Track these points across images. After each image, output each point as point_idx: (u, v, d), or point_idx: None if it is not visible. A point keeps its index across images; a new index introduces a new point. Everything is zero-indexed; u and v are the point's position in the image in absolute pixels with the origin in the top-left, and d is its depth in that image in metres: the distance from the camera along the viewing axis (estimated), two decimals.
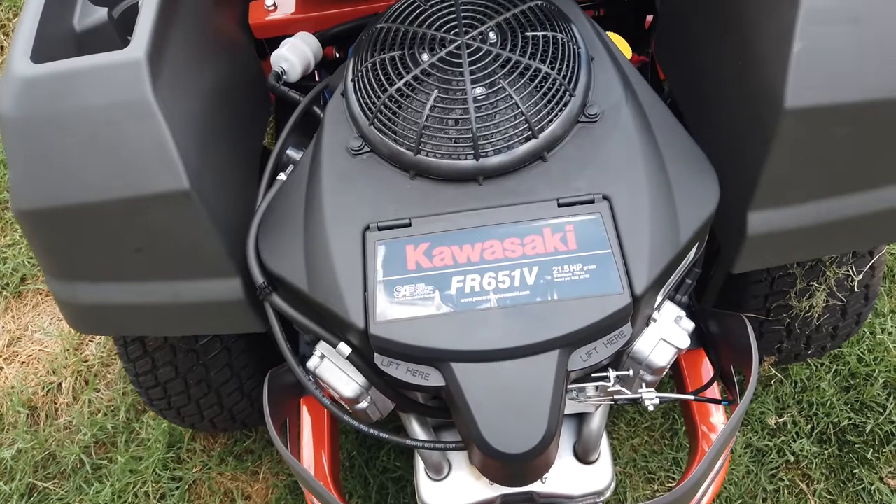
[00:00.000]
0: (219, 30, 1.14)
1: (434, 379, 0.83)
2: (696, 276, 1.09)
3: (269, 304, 0.95)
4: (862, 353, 1.66)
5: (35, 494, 1.64)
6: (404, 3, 1.01)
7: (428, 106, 0.89)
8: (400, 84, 0.92)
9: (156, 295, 1.00)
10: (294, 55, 1.18)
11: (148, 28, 0.92)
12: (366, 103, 0.94)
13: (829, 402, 1.61)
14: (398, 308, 0.83)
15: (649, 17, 1.43)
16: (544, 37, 0.94)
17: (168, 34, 0.96)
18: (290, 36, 1.22)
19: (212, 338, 1.31)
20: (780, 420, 1.59)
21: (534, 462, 0.82)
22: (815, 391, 1.63)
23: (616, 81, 0.96)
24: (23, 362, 1.84)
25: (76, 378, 1.79)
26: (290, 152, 1.08)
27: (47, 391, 1.78)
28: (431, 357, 0.82)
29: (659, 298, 0.93)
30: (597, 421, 1.11)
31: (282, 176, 1.04)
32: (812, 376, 1.65)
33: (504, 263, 0.84)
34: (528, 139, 0.89)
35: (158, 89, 0.89)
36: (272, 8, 1.27)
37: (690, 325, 0.99)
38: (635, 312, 0.84)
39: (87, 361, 1.82)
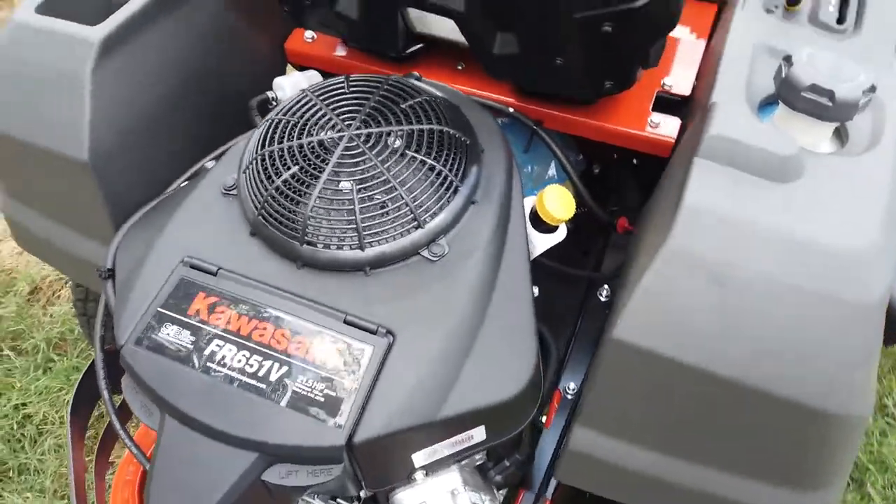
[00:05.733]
0: (236, 39, 1.24)
1: (153, 421, 0.85)
2: (518, 463, 1.00)
3: (104, 287, 1.02)
4: None
5: None
6: (298, 100, 1.00)
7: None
8: (283, 177, 0.90)
9: (47, 231, 1.13)
10: (290, 88, 1.25)
11: (124, 17, 1.03)
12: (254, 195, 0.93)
13: None
14: (155, 341, 0.85)
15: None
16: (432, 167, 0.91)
17: (152, 27, 1.07)
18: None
19: None
20: None
21: None
22: None
23: (486, 231, 0.91)
24: None
25: None
26: (209, 164, 1.13)
27: (58, 279, 2.01)
28: (154, 399, 0.84)
29: (420, 460, 0.87)
30: None
31: (182, 182, 1.11)
32: None
33: (262, 349, 0.84)
34: (352, 248, 0.88)
35: (100, 70, 1.00)
36: (311, 40, 1.35)
37: (467, 502, 0.92)
38: (355, 457, 0.80)
39: None
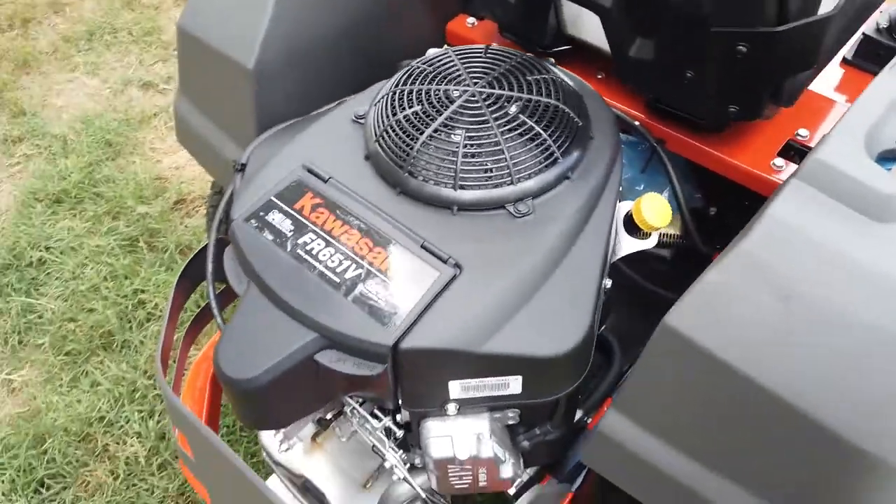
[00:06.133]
0: (407, 7, 1.37)
1: (241, 288, 0.96)
2: (548, 434, 1.03)
3: (234, 178, 1.17)
4: None
5: (133, 248, 2.12)
6: (439, 54, 1.12)
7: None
8: (406, 112, 1.01)
9: (203, 129, 1.30)
10: None
11: None
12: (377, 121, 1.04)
13: None
14: (261, 221, 0.97)
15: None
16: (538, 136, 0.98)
17: None
18: None
19: None
20: None
21: (243, 399, 0.91)
22: None
23: (573, 205, 0.96)
24: None
25: None
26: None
27: (200, 197, 2.25)
28: (245, 268, 0.95)
29: (456, 391, 0.92)
30: (400, 490, 1.11)
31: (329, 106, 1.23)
32: None
33: (345, 251, 0.93)
34: (447, 187, 0.96)
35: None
36: (471, 26, 1.47)
37: (489, 452, 0.96)
38: (398, 363, 0.87)
39: None
